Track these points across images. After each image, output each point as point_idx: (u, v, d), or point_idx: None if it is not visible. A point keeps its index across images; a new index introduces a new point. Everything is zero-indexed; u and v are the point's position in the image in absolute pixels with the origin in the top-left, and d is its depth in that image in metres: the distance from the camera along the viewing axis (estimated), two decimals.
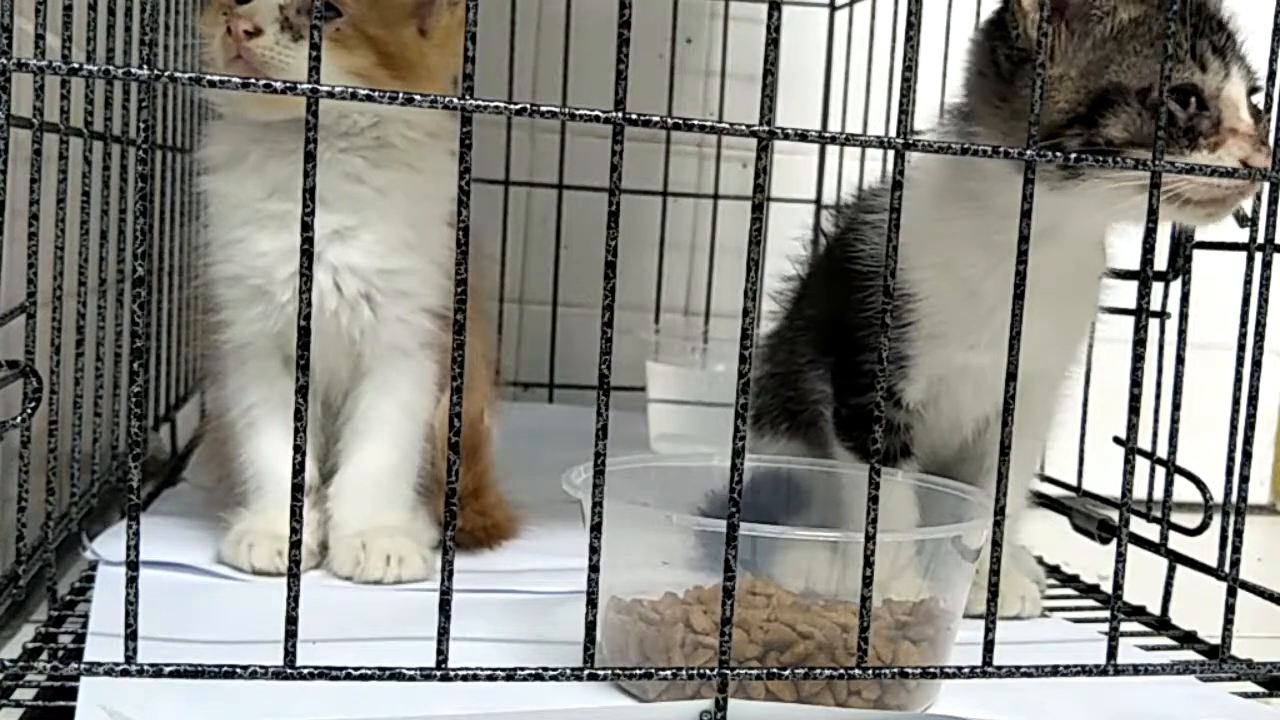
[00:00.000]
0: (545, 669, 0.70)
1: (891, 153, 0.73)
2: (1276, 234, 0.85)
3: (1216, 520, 1.00)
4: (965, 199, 0.93)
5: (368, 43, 1.00)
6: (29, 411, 0.79)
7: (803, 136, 0.71)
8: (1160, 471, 1.06)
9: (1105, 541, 1.15)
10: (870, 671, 0.74)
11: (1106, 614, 0.81)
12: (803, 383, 1.04)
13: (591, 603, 0.70)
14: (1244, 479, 0.88)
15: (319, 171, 0.98)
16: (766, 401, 1.08)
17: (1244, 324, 0.89)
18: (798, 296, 1.12)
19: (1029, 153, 0.74)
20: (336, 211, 1.01)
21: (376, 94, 0.67)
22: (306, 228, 0.66)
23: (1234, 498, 0.90)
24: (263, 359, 1.06)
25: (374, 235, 1.03)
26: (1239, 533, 0.86)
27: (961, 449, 1.02)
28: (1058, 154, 0.77)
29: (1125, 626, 0.96)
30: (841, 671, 0.75)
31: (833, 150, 1.82)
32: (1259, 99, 0.88)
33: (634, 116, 0.68)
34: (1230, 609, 0.85)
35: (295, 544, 0.67)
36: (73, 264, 0.98)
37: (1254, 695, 0.89)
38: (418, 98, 0.67)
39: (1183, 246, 1.04)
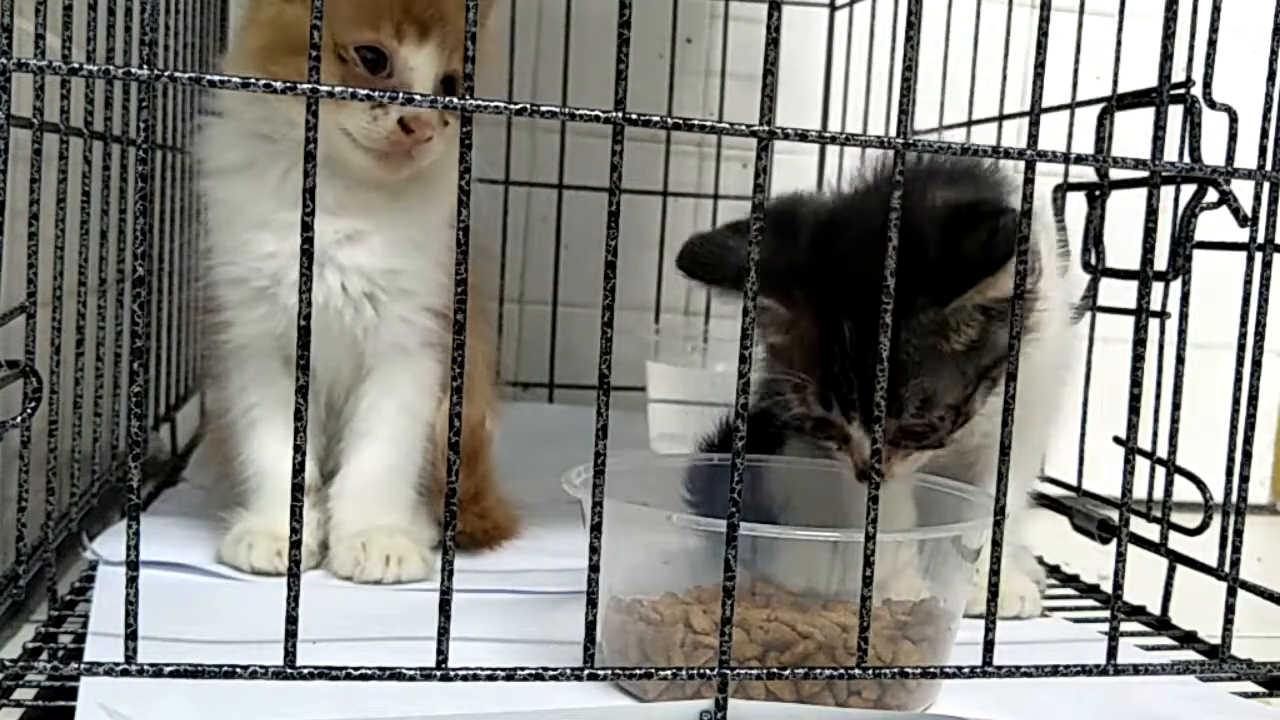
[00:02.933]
0: (545, 669, 0.70)
1: (891, 153, 0.73)
2: (1276, 234, 0.85)
3: (1216, 520, 0.99)
4: None
5: None
6: (29, 411, 0.79)
7: (803, 136, 0.71)
8: (1160, 471, 1.06)
9: (1105, 541, 1.15)
10: (870, 671, 0.74)
11: (1106, 614, 0.81)
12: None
13: (591, 603, 0.70)
14: (1244, 479, 0.88)
15: (345, 186, 0.99)
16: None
17: (1244, 324, 0.89)
18: None
19: (1029, 152, 0.74)
20: (352, 216, 1.01)
21: (376, 94, 0.68)
22: (307, 228, 0.66)
23: (1234, 498, 0.90)
24: (264, 359, 1.06)
25: (384, 237, 1.03)
26: (1239, 533, 0.86)
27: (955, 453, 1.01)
28: (1058, 153, 0.77)
29: (1125, 626, 0.96)
30: (841, 671, 0.75)
31: (833, 150, 1.82)
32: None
33: (634, 116, 0.68)
34: (1230, 609, 0.85)
35: (295, 544, 0.67)
36: (73, 264, 0.98)
37: (1254, 695, 0.89)
38: (417, 98, 0.67)
39: (1182, 246, 1.04)
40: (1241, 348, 0.88)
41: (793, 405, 0.87)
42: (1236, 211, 0.97)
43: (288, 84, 0.66)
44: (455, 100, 0.67)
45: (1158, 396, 1.07)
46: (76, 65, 0.65)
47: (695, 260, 0.87)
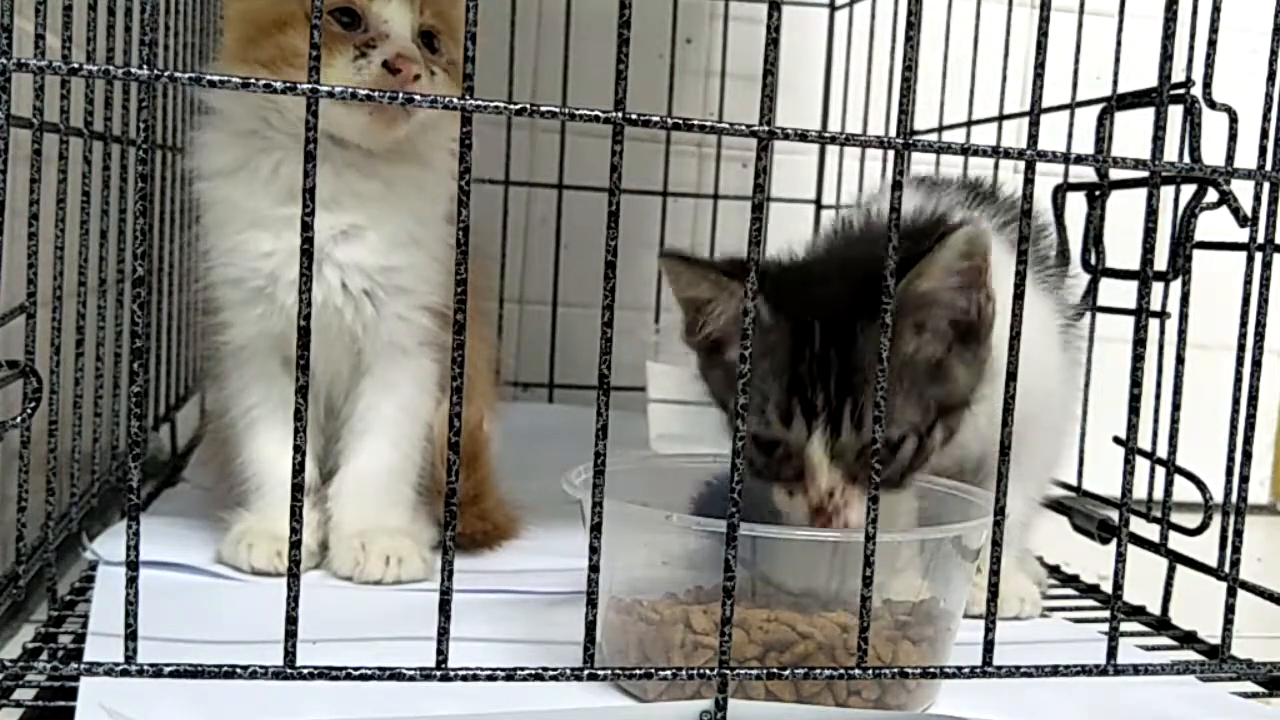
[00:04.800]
0: (545, 669, 0.70)
1: (891, 153, 0.73)
2: (1276, 234, 0.85)
3: (1216, 520, 0.99)
4: None
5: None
6: (29, 411, 0.79)
7: (803, 136, 0.71)
8: (1160, 471, 1.06)
9: (1105, 541, 1.15)
10: (870, 671, 0.74)
11: (1106, 614, 0.82)
12: None
13: (591, 603, 0.70)
14: (1244, 479, 0.88)
15: (335, 173, 0.99)
16: None
17: (1244, 324, 0.89)
18: None
19: (1029, 152, 0.74)
20: (348, 211, 1.01)
21: (376, 94, 0.68)
22: (306, 228, 0.66)
23: (1234, 498, 0.90)
24: (263, 359, 1.06)
25: (380, 233, 1.03)
26: (1239, 533, 0.86)
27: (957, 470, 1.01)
28: (1058, 153, 0.77)
29: (1125, 626, 0.96)
30: (841, 671, 0.75)
31: (833, 150, 1.82)
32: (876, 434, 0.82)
33: (634, 116, 0.68)
34: (1230, 609, 0.85)
35: (295, 544, 0.67)
36: (73, 264, 0.98)
37: (1254, 695, 0.89)
38: (417, 98, 0.67)
39: (1183, 246, 1.04)
40: (1241, 348, 0.88)
41: (750, 426, 0.83)
42: (1236, 211, 0.97)
43: (288, 84, 0.66)
44: (455, 100, 0.67)
45: (1158, 396, 1.07)
46: (76, 65, 0.65)
47: (684, 254, 0.90)
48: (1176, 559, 1.05)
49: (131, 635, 0.66)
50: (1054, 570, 1.21)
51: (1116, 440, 1.05)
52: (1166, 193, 1.02)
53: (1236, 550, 0.85)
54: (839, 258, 0.93)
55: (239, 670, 0.66)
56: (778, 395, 0.84)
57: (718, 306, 0.87)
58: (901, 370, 0.83)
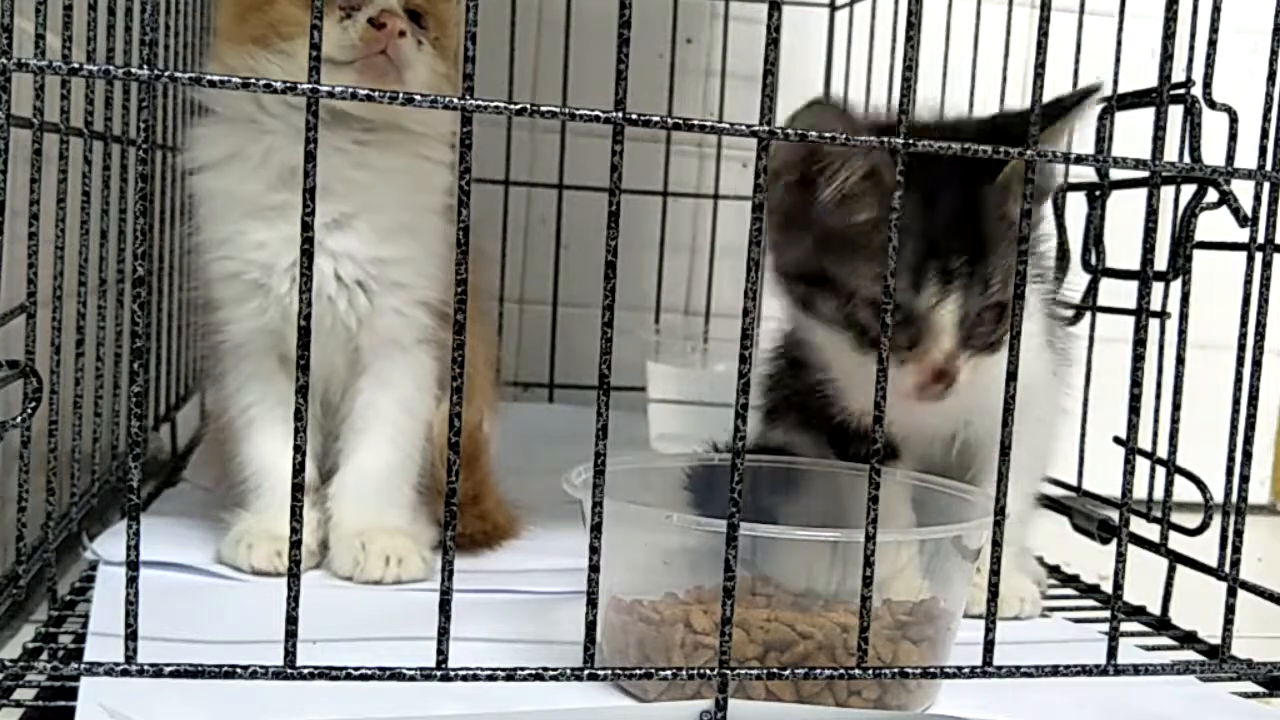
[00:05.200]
0: (545, 669, 0.70)
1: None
2: (1276, 234, 0.85)
3: (1216, 520, 0.99)
4: None
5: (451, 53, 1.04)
6: (29, 411, 0.79)
7: (803, 137, 0.72)
8: (1160, 471, 1.06)
9: (1105, 541, 1.15)
10: (870, 671, 0.74)
11: (1106, 614, 0.82)
12: (808, 378, 1.04)
13: (591, 603, 0.70)
14: (1244, 479, 0.88)
15: (330, 158, 1.00)
16: (779, 396, 1.08)
17: (1244, 324, 0.89)
18: None
19: (1029, 152, 0.74)
20: (340, 199, 1.01)
21: (376, 94, 0.67)
22: (307, 228, 0.66)
23: (1234, 498, 0.90)
24: (260, 357, 1.06)
25: (371, 222, 1.03)
26: (1239, 533, 0.86)
27: (944, 459, 1.01)
28: (1058, 153, 0.77)
29: (1125, 626, 0.96)
30: (841, 671, 0.75)
31: None
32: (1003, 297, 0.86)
33: (634, 116, 0.68)
34: (1230, 609, 0.85)
35: (295, 544, 0.67)
36: (73, 264, 0.98)
37: (1254, 695, 0.89)
38: (417, 98, 0.67)
39: (1183, 246, 1.04)
40: (1241, 348, 0.88)
41: (868, 291, 0.85)
42: (1236, 211, 0.97)
43: (288, 84, 0.66)
44: (455, 100, 0.67)
45: (1158, 396, 1.07)
46: (76, 65, 0.65)
47: (833, 104, 0.92)
48: (1176, 559, 1.05)
49: (131, 635, 0.66)
50: (1054, 570, 1.21)
51: (1116, 440, 1.04)
52: (1166, 193, 1.02)
53: (1236, 550, 0.85)
54: (946, 124, 0.95)
55: (239, 670, 0.66)
56: (909, 258, 0.84)
57: (847, 167, 0.87)
58: (1010, 235, 0.85)
